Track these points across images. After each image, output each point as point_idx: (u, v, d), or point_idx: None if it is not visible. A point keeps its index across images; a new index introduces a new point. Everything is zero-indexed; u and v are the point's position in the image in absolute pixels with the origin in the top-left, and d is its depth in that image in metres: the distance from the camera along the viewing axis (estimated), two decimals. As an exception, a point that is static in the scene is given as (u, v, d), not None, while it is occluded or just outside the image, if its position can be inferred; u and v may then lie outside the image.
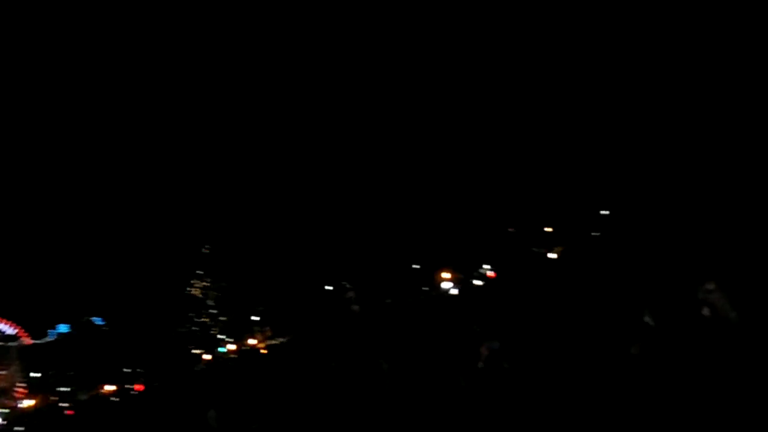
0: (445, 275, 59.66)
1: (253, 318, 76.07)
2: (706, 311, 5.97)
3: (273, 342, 68.01)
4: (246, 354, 64.13)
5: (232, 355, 69.48)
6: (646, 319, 6.22)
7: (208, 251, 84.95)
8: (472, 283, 54.89)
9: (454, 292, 53.82)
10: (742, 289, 6.04)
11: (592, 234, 45.35)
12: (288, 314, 68.19)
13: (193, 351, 75.33)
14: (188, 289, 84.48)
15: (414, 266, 64.20)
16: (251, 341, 73.30)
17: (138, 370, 71.45)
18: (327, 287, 68.99)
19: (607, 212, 47.65)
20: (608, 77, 44.85)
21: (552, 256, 49.61)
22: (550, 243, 54.59)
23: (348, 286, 67.25)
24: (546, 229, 58.12)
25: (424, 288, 60.91)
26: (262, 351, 60.72)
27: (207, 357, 73.13)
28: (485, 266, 57.85)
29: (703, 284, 6.13)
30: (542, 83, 53.41)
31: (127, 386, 64.39)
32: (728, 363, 5.37)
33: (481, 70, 58.71)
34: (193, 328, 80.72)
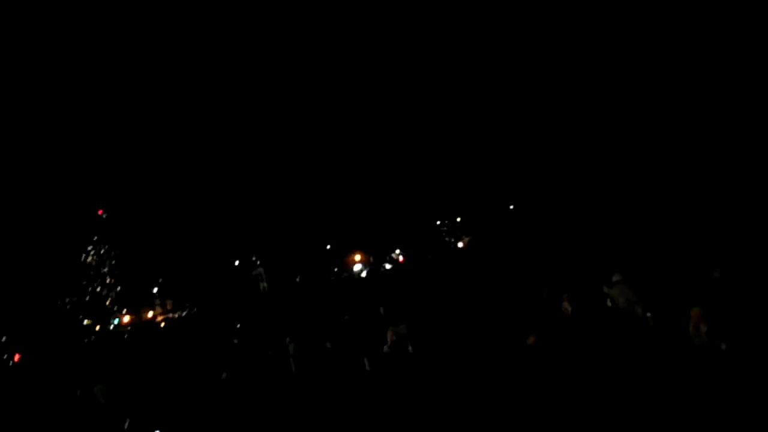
0: (356, 257, 60.19)
1: (153, 290, 72.37)
2: (609, 303, 6.30)
3: (172, 316, 65.27)
4: (141, 327, 61.01)
5: (126, 328, 65.82)
6: (564, 306, 6.49)
7: (105, 216, 79.30)
8: (382, 266, 55.82)
9: (364, 274, 54.49)
10: (649, 283, 6.44)
11: (500, 226, 47.56)
12: (191, 288, 65.57)
13: (84, 322, 70.45)
14: (82, 255, 78.62)
15: (326, 246, 64.06)
16: (148, 314, 69.84)
17: (16, 339, 65.67)
18: (235, 262, 67.02)
19: (512, 206, 50.19)
20: (521, 73, 46.58)
21: (460, 245, 51.54)
22: (459, 232, 56.62)
23: (257, 262, 65.75)
24: (457, 219, 60.24)
25: (334, 268, 61.04)
26: (159, 325, 58.02)
27: (97, 328, 68.72)
28: (396, 251, 58.97)
29: (609, 276, 6.45)
30: (463, 77, 54.64)
31: (5, 356, 59.05)
32: (628, 356, 5.73)
33: (402, 64, 59.05)
34: (85, 297, 75.35)
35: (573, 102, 38.57)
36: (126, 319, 70.78)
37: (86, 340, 59.31)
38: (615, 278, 6.30)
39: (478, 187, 53.86)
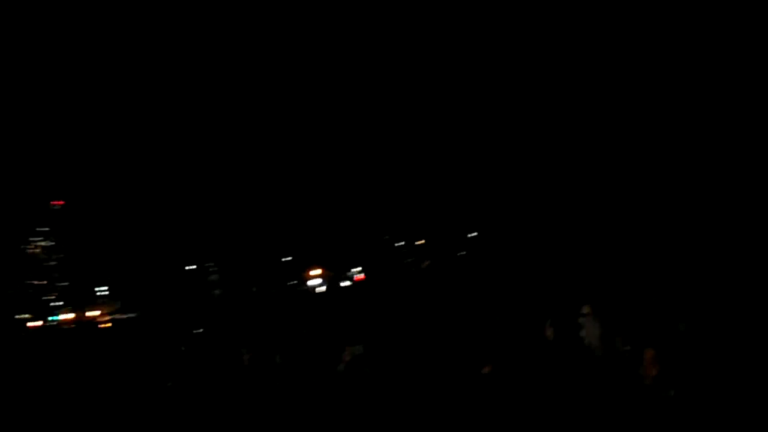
0: (315, 272, 59.54)
1: (101, 288, 69.58)
2: (582, 335, 6.25)
3: (118, 316, 62.78)
4: (83, 326, 58.39)
5: (67, 326, 62.89)
6: (548, 332, 6.41)
7: (58, 207, 76.21)
8: (339, 283, 55.36)
9: (321, 289, 53.91)
10: (615, 318, 6.42)
11: (459, 253, 47.97)
12: (142, 289, 63.39)
13: (19, 316, 66.91)
14: (26, 246, 75.06)
15: (284, 258, 63.23)
16: (93, 312, 67.02)
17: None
18: (189, 266, 65.33)
19: (475, 233, 50.80)
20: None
21: (421, 267, 51.62)
22: (421, 255, 56.81)
23: (212, 268, 64.25)
24: (417, 243, 60.53)
25: (291, 282, 60.21)
26: (104, 325, 55.72)
27: (34, 324, 65.39)
28: (356, 268, 58.69)
29: (579, 308, 6.41)
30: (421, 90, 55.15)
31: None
32: (592, 390, 5.70)
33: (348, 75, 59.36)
34: (25, 290, 71.74)
35: (534, 134, 39.21)
36: (68, 316, 67.69)
37: (20, 335, 56.27)
38: (585, 310, 6.30)
39: (442, 210, 54.34)
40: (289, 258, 62.97)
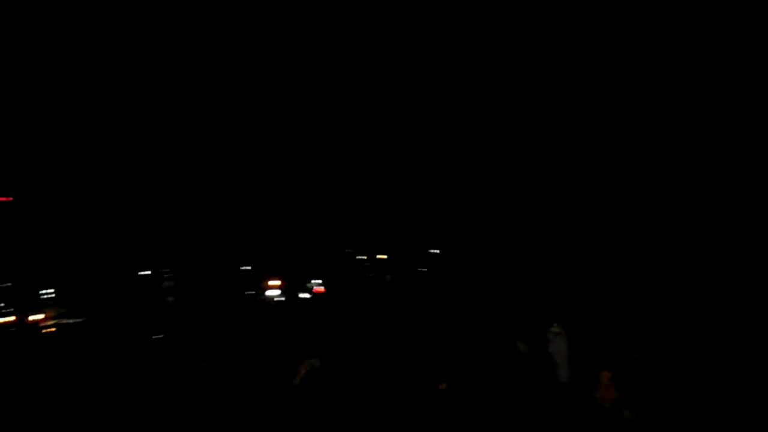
0: (273, 282, 58.66)
1: (47, 290, 66.41)
2: (550, 350, 6.33)
3: (64, 321, 60.05)
4: (25, 329, 55.55)
5: (8, 329, 59.69)
6: (520, 346, 6.45)
7: (4, 203, 72.65)
8: (298, 294, 54.75)
9: (280, 300, 53.17)
10: (585, 337, 6.52)
11: (421, 269, 48.25)
12: (92, 294, 60.89)
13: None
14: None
15: (243, 267, 62.06)
16: (37, 316, 63.85)
17: None
18: (143, 272, 63.21)
19: (437, 251, 51.20)
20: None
21: (382, 281, 51.65)
22: (383, 269, 56.83)
23: (167, 274, 62.37)
24: (379, 257, 60.57)
25: (249, 291, 59.10)
26: (48, 329, 53.16)
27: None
28: (316, 280, 58.15)
29: (550, 326, 6.50)
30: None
31: None
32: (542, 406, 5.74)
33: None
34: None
35: (497, 153, 39.51)
36: (8, 319, 64.25)
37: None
38: (555, 329, 6.41)
39: (405, 225, 54.56)
40: (248, 267, 61.85)
